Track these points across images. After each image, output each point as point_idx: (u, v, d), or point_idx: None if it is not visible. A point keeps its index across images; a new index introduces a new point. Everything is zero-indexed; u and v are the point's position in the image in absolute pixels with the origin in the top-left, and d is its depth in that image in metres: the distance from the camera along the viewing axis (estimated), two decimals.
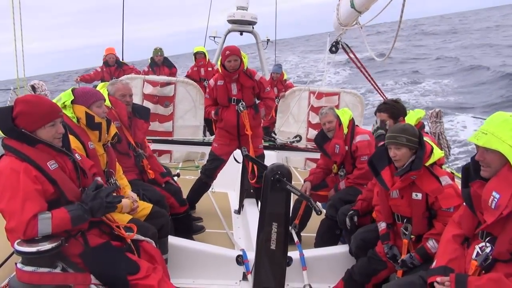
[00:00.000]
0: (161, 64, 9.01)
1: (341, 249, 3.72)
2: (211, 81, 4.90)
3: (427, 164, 2.93)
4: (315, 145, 7.36)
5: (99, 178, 2.73)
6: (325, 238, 4.04)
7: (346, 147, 4.14)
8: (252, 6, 9.56)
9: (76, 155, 2.63)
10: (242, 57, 4.70)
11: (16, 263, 2.23)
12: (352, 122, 4.26)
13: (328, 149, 4.28)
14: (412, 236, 2.97)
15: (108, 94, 3.78)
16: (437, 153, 3.01)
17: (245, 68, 4.77)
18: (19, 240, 2.21)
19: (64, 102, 3.02)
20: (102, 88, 3.88)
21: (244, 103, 4.73)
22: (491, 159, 2.20)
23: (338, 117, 4.22)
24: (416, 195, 2.93)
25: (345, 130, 4.17)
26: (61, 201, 2.37)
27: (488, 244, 2.22)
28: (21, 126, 2.32)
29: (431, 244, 2.85)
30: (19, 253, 2.18)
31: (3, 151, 2.38)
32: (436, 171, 2.94)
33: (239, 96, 4.75)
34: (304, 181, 4.45)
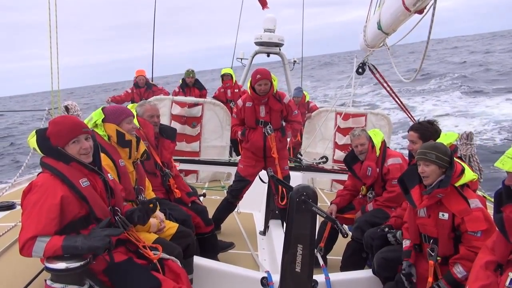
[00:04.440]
0: (192, 85, 9.17)
1: (368, 273, 3.63)
2: (239, 101, 4.94)
3: (456, 184, 2.87)
4: (341, 167, 7.36)
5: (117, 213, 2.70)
6: (351, 261, 3.97)
7: (377, 169, 4.09)
8: (277, 26, 9.67)
9: (109, 175, 2.70)
10: (272, 80, 4.72)
11: (45, 280, 2.28)
12: (384, 144, 4.23)
13: (357, 171, 4.24)
14: (438, 258, 2.90)
15: (137, 115, 3.89)
16: (469, 175, 2.95)
17: (275, 91, 4.79)
18: (49, 257, 2.26)
19: (95, 121, 3.12)
20: (132, 109, 3.99)
21: (271, 126, 4.74)
22: None
23: (370, 139, 4.19)
24: (443, 215, 2.88)
25: (378, 153, 4.13)
26: (90, 218, 2.45)
27: None
28: (53, 144, 2.46)
29: (457, 269, 2.77)
30: (49, 270, 2.23)
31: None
32: (466, 193, 2.88)
33: (267, 119, 4.77)
34: (331, 204, 4.40)
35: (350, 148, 7.59)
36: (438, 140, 3.73)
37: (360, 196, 4.37)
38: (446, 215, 2.87)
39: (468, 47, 64.36)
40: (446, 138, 3.83)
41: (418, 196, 3.00)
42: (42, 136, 2.50)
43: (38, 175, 2.48)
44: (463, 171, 2.93)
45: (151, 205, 2.71)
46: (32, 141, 2.53)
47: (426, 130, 3.68)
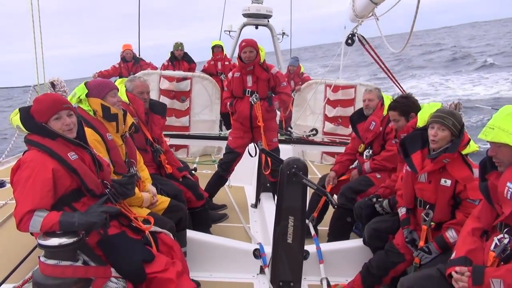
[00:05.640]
0: (180, 58, 9.03)
1: (358, 242, 3.71)
2: (230, 74, 4.99)
3: (463, 152, 2.90)
4: (331, 139, 7.42)
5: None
6: (336, 226, 4.07)
7: (381, 128, 4.11)
8: (267, 1, 9.51)
9: (94, 150, 2.70)
10: (259, 50, 4.72)
11: (39, 257, 2.29)
12: None
13: (360, 129, 4.27)
14: (432, 223, 2.95)
15: (126, 91, 3.84)
16: (473, 146, 3.00)
17: (262, 60, 4.78)
18: (42, 234, 2.27)
19: (79, 96, 3.08)
20: (120, 83, 3.94)
21: (257, 95, 4.75)
22: (502, 153, 2.22)
23: (382, 99, 4.23)
24: (445, 181, 2.90)
25: (385, 112, 4.14)
26: (82, 190, 2.47)
27: (506, 236, 2.20)
28: (38, 122, 2.46)
29: (450, 234, 2.83)
30: (42, 246, 2.24)
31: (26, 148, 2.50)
32: (470, 162, 2.93)
33: (254, 88, 4.78)
34: (330, 170, 4.44)
35: (340, 120, 7.68)
36: (420, 112, 3.74)
37: (357, 154, 4.39)
38: (449, 182, 2.88)
39: None
40: (429, 108, 3.85)
41: (419, 161, 2.99)
42: (26, 114, 2.49)
43: (24, 153, 2.47)
44: (469, 141, 2.96)
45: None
46: (16, 118, 2.50)
47: (404, 105, 3.68)
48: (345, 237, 4.04)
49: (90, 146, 2.68)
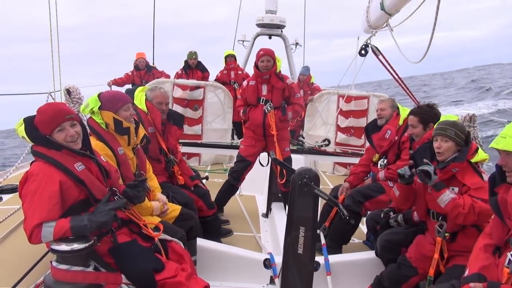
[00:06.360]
0: (194, 67, 9.12)
1: (369, 255, 3.67)
2: (244, 82, 5.01)
3: (472, 160, 2.88)
4: (344, 149, 7.38)
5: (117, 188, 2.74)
6: (337, 225, 4.02)
7: (396, 137, 4.08)
8: (281, 11, 9.56)
9: (102, 157, 2.71)
10: (276, 60, 4.75)
11: (51, 261, 2.31)
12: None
13: (375, 138, 4.25)
14: (447, 235, 2.91)
15: (146, 100, 3.85)
16: (482, 155, 2.99)
17: (278, 70, 4.80)
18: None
19: (91, 109, 3.07)
20: (141, 92, 3.94)
21: (271, 104, 4.76)
22: None
23: (397, 109, 4.22)
24: (453, 189, 2.88)
25: (401, 122, 4.13)
26: (90, 201, 2.46)
27: None
28: (42, 133, 2.44)
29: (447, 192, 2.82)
30: (54, 251, 2.26)
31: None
32: (480, 170, 2.91)
33: (268, 97, 4.80)
34: (344, 181, 4.42)
35: (353, 131, 7.64)
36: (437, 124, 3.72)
37: (371, 165, 4.36)
38: (456, 189, 2.88)
39: None
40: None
41: None
42: (30, 124, 2.46)
43: (31, 163, 2.46)
44: (477, 149, 2.95)
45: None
46: (21, 129, 2.48)
47: (426, 114, 3.66)
48: (345, 239, 3.99)
49: (96, 154, 2.67)
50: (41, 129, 2.44)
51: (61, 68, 4.94)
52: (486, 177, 2.85)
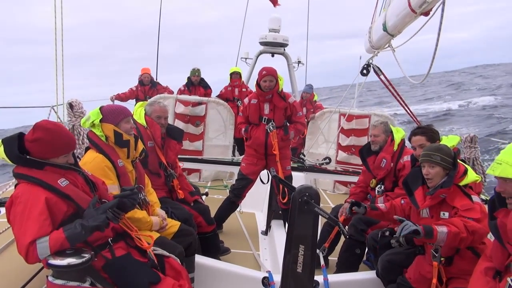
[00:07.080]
0: (197, 84, 9.19)
1: (369, 275, 3.63)
2: (246, 100, 5.02)
3: (460, 184, 2.88)
4: (344, 168, 7.36)
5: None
6: (345, 257, 4.00)
7: (392, 164, 4.09)
8: (284, 30, 9.68)
9: (86, 171, 2.67)
10: (278, 79, 4.77)
11: (47, 276, 2.29)
12: (403, 141, 4.24)
13: (371, 163, 4.25)
14: (442, 259, 2.90)
15: (145, 114, 3.88)
16: (472, 176, 2.98)
17: (280, 89, 4.82)
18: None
19: (93, 121, 3.08)
20: (140, 107, 3.97)
21: (274, 123, 4.77)
22: (511, 188, 2.18)
23: (391, 133, 4.21)
24: (443, 214, 2.90)
25: (395, 148, 4.14)
26: (79, 215, 2.39)
27: None
28: (36, 151, 2.39)
29: (440, 228, 2.76)
30: (50, 266, 2.23)
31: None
32: (470, 192, 2.90)
33: (271, 116, 4.81)
34: (345, 202, 4.39)
35: (354, 150, 7.64)
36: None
37: (369, 189, 4.36)
38: (447, 214, 2.89)
39: None
40: (449, 141, 3.85)
41: (421, 197, 3.02)
42: (11, 143, 2.39)
43: (15, 186, 2.42)
44: (466, 171, 2.95)
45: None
46: (0, 150, 2.41)
47: (432, 132, 3.70)
48: (354, 268, 3.95)
49: (80, 168, 2.63)
50: (47, 149, 2.40)
51: (48, 70, 4.91)
52: (475, 198, 2.86)
